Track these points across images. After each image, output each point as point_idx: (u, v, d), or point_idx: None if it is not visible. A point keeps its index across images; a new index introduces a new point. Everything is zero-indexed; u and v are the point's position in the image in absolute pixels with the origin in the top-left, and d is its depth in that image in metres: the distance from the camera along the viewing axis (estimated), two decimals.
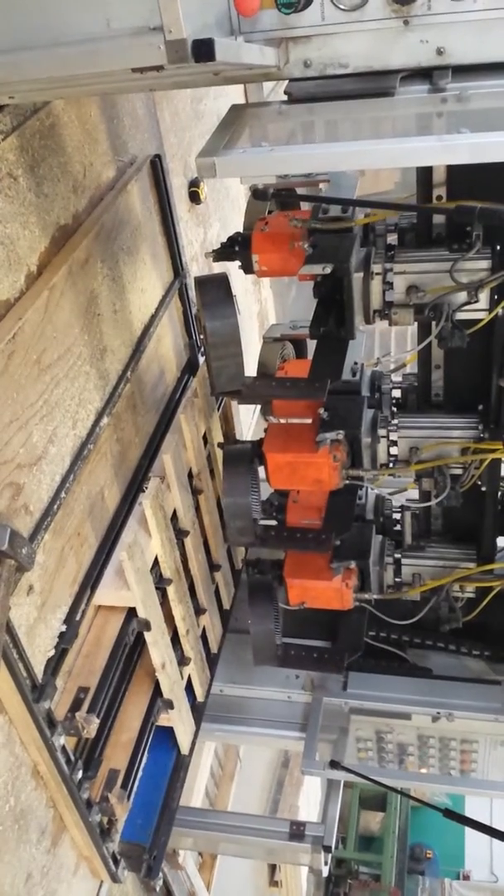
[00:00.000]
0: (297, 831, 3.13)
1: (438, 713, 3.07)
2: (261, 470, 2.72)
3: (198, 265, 4.16)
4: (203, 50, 1.36)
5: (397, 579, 2.96)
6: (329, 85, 1.92)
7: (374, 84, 1.87)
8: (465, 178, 2.22)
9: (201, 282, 2.65)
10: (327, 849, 3.07)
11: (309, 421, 2.60)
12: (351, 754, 3.17)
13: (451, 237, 2.36)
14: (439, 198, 2.30)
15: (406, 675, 3.20)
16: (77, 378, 2.44)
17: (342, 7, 1.79)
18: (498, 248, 2.24)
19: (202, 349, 3.25)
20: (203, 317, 2.59)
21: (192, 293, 3.45)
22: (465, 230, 2.27)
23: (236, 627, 3.53)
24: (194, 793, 4.82)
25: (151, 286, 3.10)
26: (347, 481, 2.64)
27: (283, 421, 2.69)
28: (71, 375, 2.40)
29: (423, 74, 1.88)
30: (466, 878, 9.37)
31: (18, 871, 2.29)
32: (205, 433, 3.22)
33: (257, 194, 2.47)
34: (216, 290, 2.60)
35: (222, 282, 2.61)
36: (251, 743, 5.22)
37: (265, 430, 2.70)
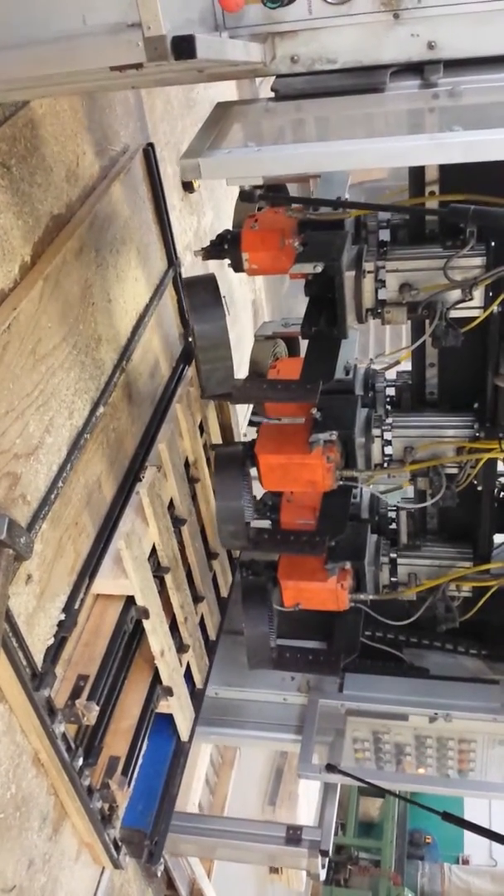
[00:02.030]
0: (293, 836, 3.07)
1: (436, 714, 3.03)
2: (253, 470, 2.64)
3: (191, 254, 4.15)
4: (183, 47, 1.31)
5: (393, 579, 2.93)
6: (317, 81, 1.87)
7: (363, 80, 1.83)
8: (458, 172, 2.15)
9: (189, 283, 2.60)
10: (324, 853, 3.03)
11: (302, 421, 2.56)
12: (348, 755, 3.14)
13: (445, 234, 2.31)
14: (432, 193, 2.25)
15: (403, 676, 3.16)
16: (73, 368, 2.44)
17: (330, 0, 1.75)
18: (492, 244, 2.20)
19: None
20: (191, 319, 2.55)
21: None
22: (459, 227, 2.22)
23: (230, 628, 3.49)
24: (194, 779, 4.84)
25: (145, 275, 3.10)
26: (341, 482, 2.59)
27: (273, 420, 2.62)
28: (66, 365, 2.40)
29: (414, 69, 1.84)
30: (466, 862, 9.43)
31: (21, 858, 2.31)
32: (201, 422, 3.22)
33: (244, 196, 2.41)
34: (204, 293, 2.55)
35: (210, 283, 2.56)
36: (247, 745, 5.18)
37: (257, 431, 2.65)
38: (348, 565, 2.77)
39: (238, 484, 2.60)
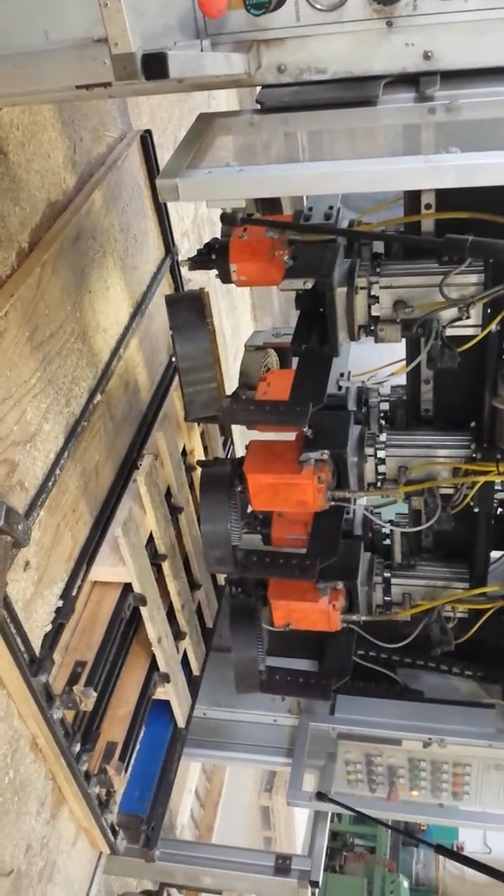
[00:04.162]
0: (282, 865, 2.98)
1: (430, 739, 2.94)
2: None
3: (189, 242, 4.15)
4: (154, 65, 1.22)
5: (386, 598, 2.81)
6: (305, 92, 1.76)
7: (354, 92, 1.72)
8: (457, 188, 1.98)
9: (172, 301, 2.45)
10: (314, 884, 2.94)
11: (293, 437, 2.44)
12: (340, 777, 3.06)
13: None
14: (428, 206, 2.10)
15: (396, 699, 3.06)
16: (70, 355, 2.44)
17: (319, 7, 1.64)
18: (490, 261, 2.05)
19: None
20: (173, 339, 2.41)
21: (184, 270, 3.45)
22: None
23: (220, 646, 3.40)
24: (190, 769, 4.87)
25: (143, 263, 3.10)
26: (333, 503, 2.47)
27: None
28: (63, 353, 2.40)
29: (409, 81, 1.73)
30: (460, 849, 9.49)
31: (18, 842, 2.33)
32: None
33: (226, 219, 2.26)
34: (187, 312, 2.40)
35: (194, 302, 2.42)
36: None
37: (246, 448, 2.52)
38: (340, 585, 2.66)
39: (224, 507, 2.46)
